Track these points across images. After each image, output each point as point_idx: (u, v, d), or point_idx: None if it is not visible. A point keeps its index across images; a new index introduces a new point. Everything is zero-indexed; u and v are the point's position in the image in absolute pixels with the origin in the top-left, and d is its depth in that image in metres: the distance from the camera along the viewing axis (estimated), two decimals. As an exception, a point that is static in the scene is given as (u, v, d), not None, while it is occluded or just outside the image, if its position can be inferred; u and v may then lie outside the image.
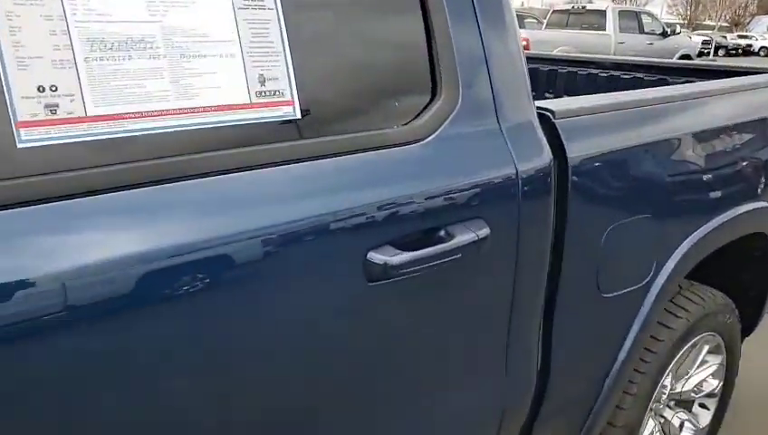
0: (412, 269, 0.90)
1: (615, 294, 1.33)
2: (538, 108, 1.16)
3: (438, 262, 0.93)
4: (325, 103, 0.92)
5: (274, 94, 0.84)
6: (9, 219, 0.65)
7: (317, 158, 0.86)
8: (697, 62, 2.16)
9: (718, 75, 2.24)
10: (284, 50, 0.85)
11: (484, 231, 1.00)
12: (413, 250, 0.91)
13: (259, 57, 0.83)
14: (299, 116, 0.86)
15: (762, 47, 20.87)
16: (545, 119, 1.17)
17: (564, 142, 1.16)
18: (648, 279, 1.39)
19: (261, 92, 0.83)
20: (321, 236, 0.84)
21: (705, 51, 16.82)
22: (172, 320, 0.74)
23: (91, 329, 0.68)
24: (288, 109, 0.86)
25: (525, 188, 1.07)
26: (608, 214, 1.27)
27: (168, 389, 0.76)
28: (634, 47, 10.90)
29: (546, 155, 1.12)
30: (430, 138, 0.98)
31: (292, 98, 0.86)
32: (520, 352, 1.20)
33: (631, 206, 1.31)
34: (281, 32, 0.85)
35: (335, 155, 0.88)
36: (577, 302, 1.27)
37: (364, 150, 0.91)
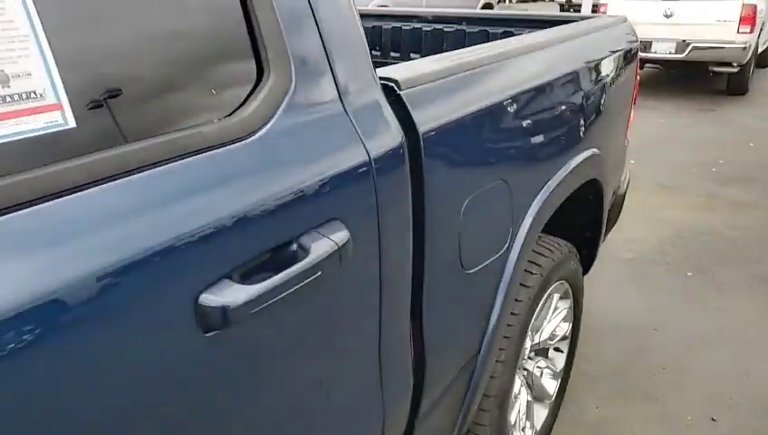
0: (261, 307, 0.71)
1: (478, 267, 1.26)
2: (380, 78, 1.01)
3: (294, 287, 0.74)
4: (111, 101, 0.66)
5: (28, 98, 0.58)
6: None
7: (107, 179, 0.62)
8: (510, 12, 2.18)
9: (533, 25, 2.27)
10: (35, 30, 0.59)
11: (343, 234, 0.83)
12: (259, 281, 0.71)
13: (-7, 45, 0.56)
14: (72, 124, 0.61)
15: (546, -8, 22.76)
16: (389, 90, 1.01)
17: (413, 115, 1.02)
18: (506, 246, 1.34)
19: (4, 97, 0.57)
20: (128, 285, 0.61)
21: (501, -2, 18.05)
22: None
23: None
24: (54, 116, 0.60)
25: (379, 175, 0.91)
26: (464, 186, 1.17)
27: None
28: (443, -3, 11.18)
29: (397, 132, 0.97)
30: (262, 131, 0.77)
31: (59, 99, 0.60)
32: (393, 354, 1.07)
33: (485, 173, 1.23)
34: (25, 4, 0.58)
35: (134, 171, 0.64)
36: (443, 286, 1.17)
37: (174, 159, 0.68)
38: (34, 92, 0.59)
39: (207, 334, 0.68)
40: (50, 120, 0.60)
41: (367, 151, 0.89)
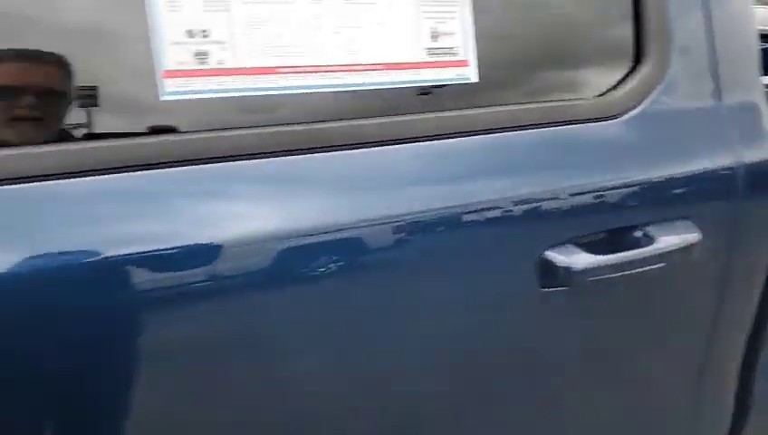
0: (600, 277, 0.72)
1: None
2: (766, 86, 0.92)
3: (634, 270, 0.74)
4: (506, 66, 0.76)
5: (448, 52, 0.70)
6: (154, 180, 0.56)
7: (492, 131, 0.71)
8: None
9: None
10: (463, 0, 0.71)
11: (694, 236, 0.79)
12: (603, 253, 0.73)
13: (432, 7, 0.69)
14: (475, 79, 0.72)
15: None
16: (774, 99, 0.92)
17: (798, 129, 0.91)
18: None
19: (432, 49, 0.69)
20: (486, 226, 0.69)
21: None
22: (301, 305, 0.62)
23: (231, 300, 0.59)
24: (462, 70, 0.71)
25: (747, 185, 0.84)
26: None
27: (292, 376, 0.64)
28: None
29: (776, 144, 0.88)
30: (630, 114, 0.79)
31: (468, 58, 0.71)
32: (714, 385, 0.97)
33: None
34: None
35: (514, 129, 0.72)
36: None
37: (548, 125, 0.74)
38: (452, 48, 0.71)
39: (543, 289, 0.72)
40: (458, 73, 0.71)
41: (738, 156, 0.83)
